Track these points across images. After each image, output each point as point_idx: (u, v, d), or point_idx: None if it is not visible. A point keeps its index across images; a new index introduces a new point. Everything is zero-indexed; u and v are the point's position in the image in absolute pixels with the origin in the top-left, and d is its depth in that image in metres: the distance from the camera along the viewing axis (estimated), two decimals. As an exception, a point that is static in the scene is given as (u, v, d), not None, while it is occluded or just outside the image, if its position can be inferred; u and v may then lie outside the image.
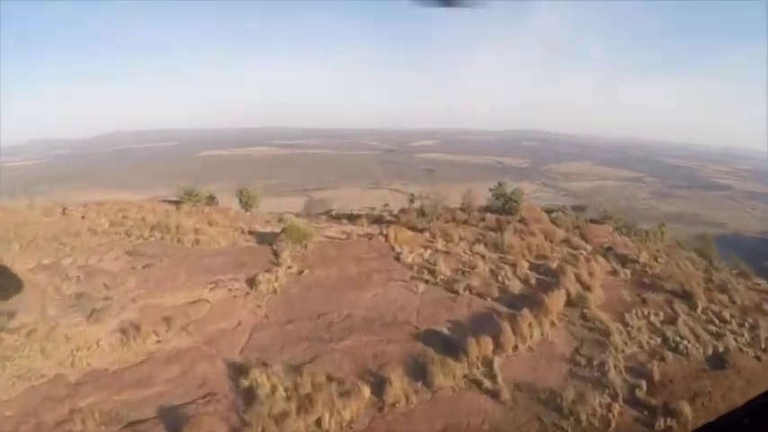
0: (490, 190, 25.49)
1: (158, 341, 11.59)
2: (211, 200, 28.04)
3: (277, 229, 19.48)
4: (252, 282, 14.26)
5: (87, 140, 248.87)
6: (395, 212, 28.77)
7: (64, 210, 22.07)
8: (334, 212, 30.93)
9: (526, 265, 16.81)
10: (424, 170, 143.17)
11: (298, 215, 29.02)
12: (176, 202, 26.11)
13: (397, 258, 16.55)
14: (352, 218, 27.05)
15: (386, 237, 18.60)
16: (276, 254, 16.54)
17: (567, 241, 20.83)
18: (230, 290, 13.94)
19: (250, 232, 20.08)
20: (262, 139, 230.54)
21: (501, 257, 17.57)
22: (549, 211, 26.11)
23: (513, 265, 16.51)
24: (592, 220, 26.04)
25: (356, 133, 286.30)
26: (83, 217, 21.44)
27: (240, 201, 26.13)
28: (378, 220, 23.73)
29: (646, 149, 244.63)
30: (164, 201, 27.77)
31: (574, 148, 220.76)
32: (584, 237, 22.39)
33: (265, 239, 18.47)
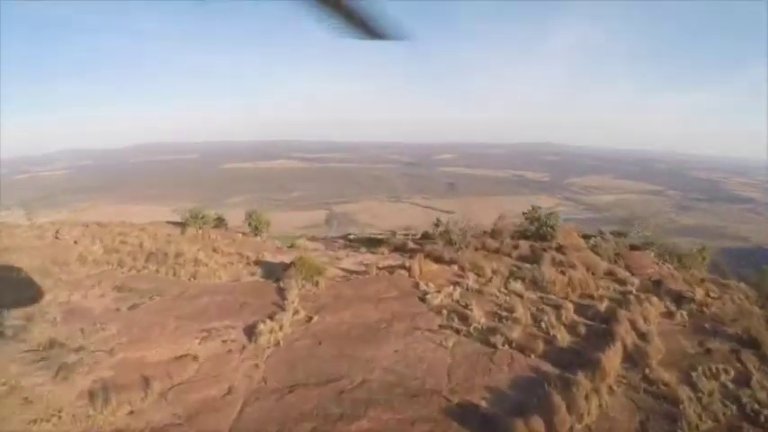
0: (523, 214, 22.97)
1: (131, 412, 9.33)
2: (220, 221, 26.06)
3: (287, 258, 17.28)
4: (251, 331, 11.96)
5: (112, 151, 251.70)
6: (418, 237, 26.50)
7: (56, 233, 20.17)
8: (351, 236, 28.70)
9: (571, 307, 14.26)
10: (445, 183, 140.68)
11: (312, 238, 26.89)
12: (182, 224, 24.13)
13: (423, 299, 14.14)
14: (371, 243, 24.88)
15: (409, 270, 16.21)
16: (283, 292, 14.27)
17: (611, 274, 18.25)
18: (225, 341, 11.65)
19: (256, 262, 17.90)
20: (284, 152, 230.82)
21: (541, 297, 15.06)
22: (586, 237, 23.53)
23: (557, 308, 13.99)
24: (632, 247, 23.33)
25: (378, 146, 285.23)
26: (75, 242, 19.51)
27: (249, 224, 24.02)
28: (400, 248, 21.37)
29: (667, 162, 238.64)
30: (169, 222, 25.82)
31: (594, 162, 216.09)
32: (628, 267, 19.78)
33: (273, 273, 16.28)
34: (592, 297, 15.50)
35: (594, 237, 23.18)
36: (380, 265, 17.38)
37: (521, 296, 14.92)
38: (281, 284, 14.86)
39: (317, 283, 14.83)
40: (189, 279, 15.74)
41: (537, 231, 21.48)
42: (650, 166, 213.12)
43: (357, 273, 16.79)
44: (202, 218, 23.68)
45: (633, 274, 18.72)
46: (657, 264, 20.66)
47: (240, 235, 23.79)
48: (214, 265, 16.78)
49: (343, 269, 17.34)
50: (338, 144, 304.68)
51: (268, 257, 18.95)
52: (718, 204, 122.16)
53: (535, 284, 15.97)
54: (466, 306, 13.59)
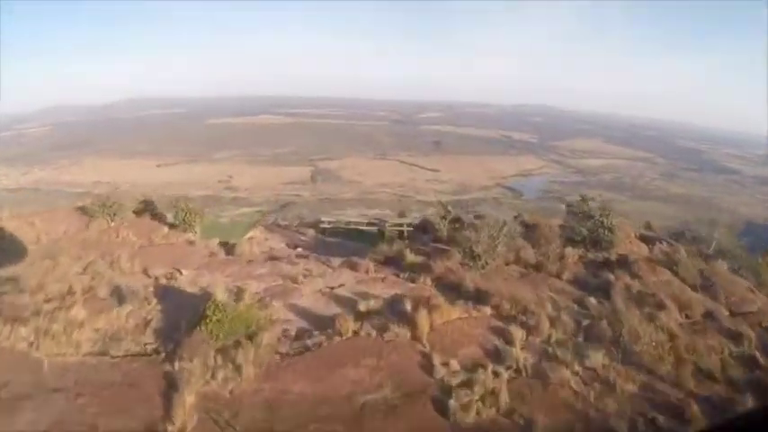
0: (568, 206, 16.02)
1: None
2: (148, 207, 18.79)
3: (219, 277, 10.30)
4: None
5: (98, 107, 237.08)
6: (416, 224, 19.74)
7: None
8: (326, 224, 21.20)
9: (695, 408, 7.69)
10: (430, 142, 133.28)
11: (269, 228, 19.78)
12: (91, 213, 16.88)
13: (443, 412, 7.28)
14: (351, 235, 18.06)
15: (411, 328, 9.31)
16: (169, 396, 7.27)
17: (710, 316, 11.68)
18: None
19: (163, 291, 10.82)
20: (269, 108, 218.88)
21: (644, 385, 8.37)
22: (644, 239, 16.81)
23: (679, 415, 7.39)
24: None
25: (364, 103, 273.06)
26: None
27: (176, 217, 16.75)
28: (394, 258, 14.13)
29: (658, 129, 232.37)
30: (79, 209, 18.34)
31: (584, 126, 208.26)
32: (715, 296, 13.15)
33: (178, 323, 9.25)
34: (714, 378, 8.95)
35: (658, 241, 16.39)
36: (363, 308, 10.34)
37: (610, 385, 8.23)
38: (175, 367, 7.86)
39: (238, 368, 7.82)
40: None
41: (591, 235, 14.59)
42: (639, 132, 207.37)
43: (321, 326, 9.75)
44: (111, 206, 16.32)
45: (732, 313, 12.29)
46: (753, 291, 14.05)
47: (166, 230, 16.57)
48: (82, 312, 9.59)
49: (299, 312, 10.42)
50: (325, 100, 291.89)
51: (186, 277, 11.98)
52: (705, 174, 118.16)
53: (623, 353, 9.24)
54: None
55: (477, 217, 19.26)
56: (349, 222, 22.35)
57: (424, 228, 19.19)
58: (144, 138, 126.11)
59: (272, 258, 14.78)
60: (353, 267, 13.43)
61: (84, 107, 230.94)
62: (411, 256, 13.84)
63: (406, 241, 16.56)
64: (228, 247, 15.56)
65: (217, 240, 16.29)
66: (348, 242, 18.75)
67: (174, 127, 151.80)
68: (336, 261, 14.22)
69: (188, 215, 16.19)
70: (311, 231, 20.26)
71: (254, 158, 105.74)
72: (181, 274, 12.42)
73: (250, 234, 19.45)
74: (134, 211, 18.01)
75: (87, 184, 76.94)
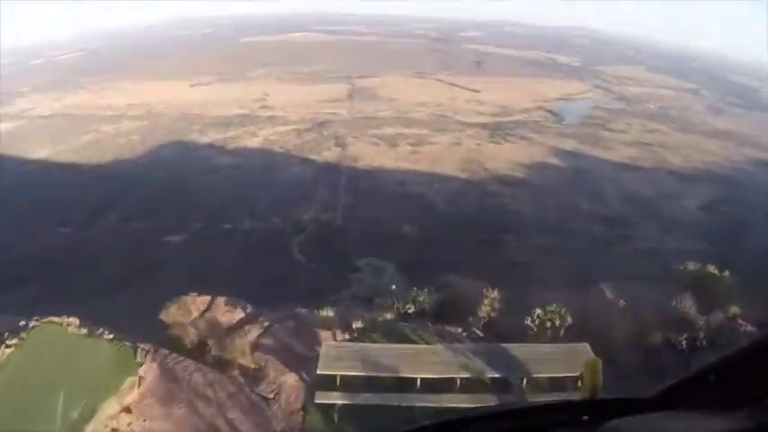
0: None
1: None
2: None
3: None
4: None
5: (127, 30, 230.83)
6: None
7: None
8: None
9: None
10: (471, 61, 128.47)
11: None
12: None
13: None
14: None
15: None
16: None
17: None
18: None
19: None
20: (306, 25, 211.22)
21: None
22: None
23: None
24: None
25: (401, 20, 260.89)
26: None
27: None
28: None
29: (704, 62, 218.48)
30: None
31: (628, 51, 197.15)
32: None
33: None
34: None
35: None
36: None
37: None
38: None
39: None
40: None
41: None
42: (685, 63, 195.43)
43: None
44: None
45: None
46: None
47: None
48: None
49: None
50: (363, 17, 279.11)
51: None
52: (753, 112, 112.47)
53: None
54: None
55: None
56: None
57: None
58: (177, 59, 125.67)
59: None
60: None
61: (112, 31, 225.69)
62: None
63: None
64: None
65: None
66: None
67: (207, 46, 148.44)
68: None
69: None
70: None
71: (290, 76, 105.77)
72: None
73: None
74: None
75: (121, 107, 77.65)
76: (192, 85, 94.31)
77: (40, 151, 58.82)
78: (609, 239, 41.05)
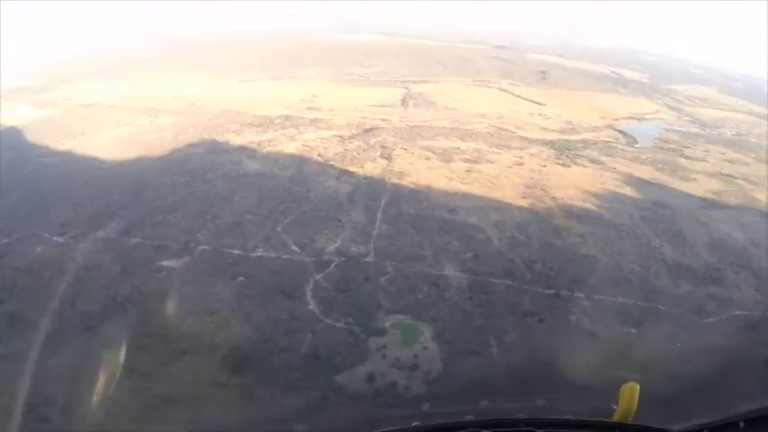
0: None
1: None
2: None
3: None
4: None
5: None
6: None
7: None
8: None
9: None
10: (536, 72, 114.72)
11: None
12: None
13: None
14: None
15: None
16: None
17: None
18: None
19: None
20: (364, 26, 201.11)
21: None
22: None
23: None
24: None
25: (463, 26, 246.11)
26: None
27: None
28: None
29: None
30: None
31: (697, 70, 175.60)
32: None
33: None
34: None
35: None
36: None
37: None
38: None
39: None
40: None
41: None
42: (757, 85, 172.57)
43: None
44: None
45: None
46: None
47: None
48: None
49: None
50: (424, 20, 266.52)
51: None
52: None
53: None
54: None
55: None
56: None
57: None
58: (228, 53, 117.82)
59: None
60: None
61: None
62: None
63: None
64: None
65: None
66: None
67: (259, 45, 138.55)
68: None
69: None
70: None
71: (343, 77, 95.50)
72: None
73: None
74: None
75: (165, 99, 70.59)
76: (239, 81, 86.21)
77: (66, 142, 51.71)
78: (699, 301, 32.06)
